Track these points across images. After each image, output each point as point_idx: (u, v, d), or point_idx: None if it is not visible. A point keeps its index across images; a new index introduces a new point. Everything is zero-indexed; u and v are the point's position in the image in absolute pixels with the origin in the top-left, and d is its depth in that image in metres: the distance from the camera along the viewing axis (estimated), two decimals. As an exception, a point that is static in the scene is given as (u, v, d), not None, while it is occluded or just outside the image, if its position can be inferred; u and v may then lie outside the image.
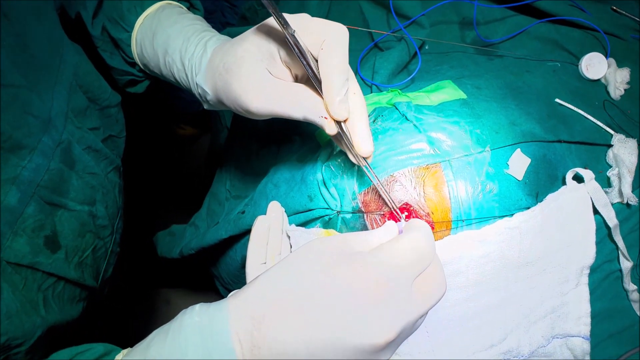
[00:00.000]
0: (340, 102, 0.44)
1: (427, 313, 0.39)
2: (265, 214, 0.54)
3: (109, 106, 0.66)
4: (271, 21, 0.46)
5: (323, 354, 0.34)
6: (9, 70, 0.48)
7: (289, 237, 0.54)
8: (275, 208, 0.54)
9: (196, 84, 0.55)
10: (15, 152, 0.49)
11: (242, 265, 0.66)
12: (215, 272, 0.79)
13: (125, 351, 0.39)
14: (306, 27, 0.44)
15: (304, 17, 0.45)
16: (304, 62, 0.44)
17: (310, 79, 0.45)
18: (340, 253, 0.38)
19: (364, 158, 0.47)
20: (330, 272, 0.36)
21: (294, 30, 0.43)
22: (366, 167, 0.48)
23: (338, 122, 0.45)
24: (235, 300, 0.38)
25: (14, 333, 0.46)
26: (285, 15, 0.43)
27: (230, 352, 0.35)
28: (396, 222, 0.45)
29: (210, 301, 0.39)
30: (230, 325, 0.36)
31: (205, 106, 0.58)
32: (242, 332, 0.35)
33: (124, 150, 0.72)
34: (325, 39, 0.43)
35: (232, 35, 0.55)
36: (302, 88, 0.47)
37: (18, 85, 0.49)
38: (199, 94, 0.56)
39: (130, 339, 0.44)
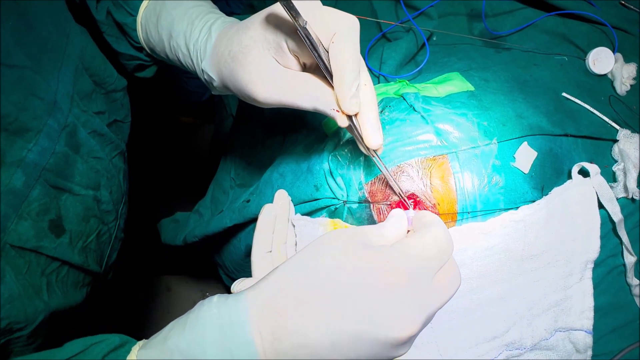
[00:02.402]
0: (352, 98, 0.43)
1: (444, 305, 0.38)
2: (270, 203, 0.54)
3: (115, 90, 0.66)
4: (278, 9, 0.44)
5: (346, 347, 0.34)
6: (14, 51, 0.47)
7: (293, 226, 0.54)
8: (282, 196, 0.54)
9: (202, 70, 0.54)
10: (21, 135, 0.48)
11: (247, 254, 0.66)
12: (218, 261, 0.79)
13: (141, 343, 0.39)
14: (317, 17, 0.42)
15: (315, 5, 0.44)
16: (316, 55, 0.42)
17: (321, 69, 0.44)
18: (363, 245, 0.37)
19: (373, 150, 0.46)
20: (354, 263, 0.36)
21: (306, 22, 0.41)
22: (375, 158, 0.48)
23: (348, 115, 0.44)
24: (254, 291, 0.37)
25: (16, 317, 0.46)
26: (295, 2, 0.41)
27: (249, 344, 0.34)
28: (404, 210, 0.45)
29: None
30: (250, 317, 0.35)
31: (213, 91, 0.57)
32: (262, 325, 0.35)
33: (128, 136, 0.71)
34: (337, 31, 0.42)
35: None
36: (311, 78, 0.46)
37: (23, 66, 0.48)
38: (205, 79, 0.55)
39: (130, 324, 0.44)
